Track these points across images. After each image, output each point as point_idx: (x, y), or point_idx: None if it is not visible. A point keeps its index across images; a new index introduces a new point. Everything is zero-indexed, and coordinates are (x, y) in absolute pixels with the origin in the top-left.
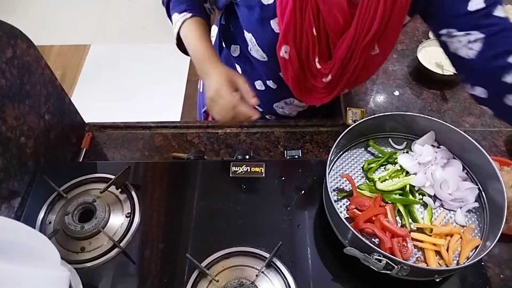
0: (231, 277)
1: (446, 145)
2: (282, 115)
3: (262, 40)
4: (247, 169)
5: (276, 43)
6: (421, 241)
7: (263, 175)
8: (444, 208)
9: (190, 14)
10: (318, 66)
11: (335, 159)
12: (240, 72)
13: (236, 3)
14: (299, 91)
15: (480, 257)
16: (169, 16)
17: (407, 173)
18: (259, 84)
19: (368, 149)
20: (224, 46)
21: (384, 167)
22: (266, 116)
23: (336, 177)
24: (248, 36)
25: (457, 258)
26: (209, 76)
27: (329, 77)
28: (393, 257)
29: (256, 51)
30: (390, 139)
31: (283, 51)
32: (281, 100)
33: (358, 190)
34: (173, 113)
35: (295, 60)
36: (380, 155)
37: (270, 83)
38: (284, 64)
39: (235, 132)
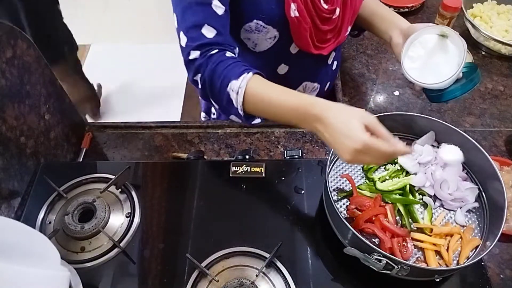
0: (231, 277)
1: None
2: None
3: (269, 17)
4: (247, 169)
5: (282, 12)
6: (421, 241)
7: (263, 175)
8: (444, 208)
9: (250, 74)
10: (325, 6)
11: (335, 159)
12: None
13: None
14: (314, 45)
15: (480, 257)
16: (219, 93)
17: (407, 173)
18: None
19: None
20: None
21: (384, 167)
22: None
23: (336, 177)
24: (253, 25)
25: (457, 258)
26: (329, 129)
27: (337, 11)
28: (393, 257)
29: (265, 35)
30: None
31: (293, 10)
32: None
33: (358, 190)
34: (173, 113)
35: (305, 13)
36: None
37: (281, 69)
38: (297, 24)
39: (235, 132)
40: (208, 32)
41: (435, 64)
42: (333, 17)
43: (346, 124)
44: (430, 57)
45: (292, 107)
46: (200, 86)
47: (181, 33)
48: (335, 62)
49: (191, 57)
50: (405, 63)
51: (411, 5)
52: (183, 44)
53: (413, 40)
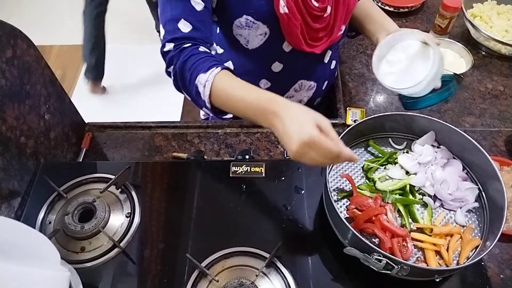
0: (231, 277)
1: (446, 145)
2: None
3: (258, 12)
4: (247, 169)
5: (271, 8)
6: (421, 241)
7: (263, 175)
8: (444, 208)
9: (219, 68)
10: (316, 4)
11: None
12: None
13: None
14: (306, 43)
15: (480, 257)
16: (189, 85)
17: (407, 173)
18: (264, 83)
19: (368, 149)
20: None
21: (384, 167)
22: None
23: (336, 177)
24: (243, 21)
25: (457, 258)
26: (282, 122)
27: (329, 9)
28: (393, 257)
29: (256, 32)
30: (390, 139)
31: (282, 6)
32: (291, 88)
33: (358, 190)
34: (173, 113)
35: (295, 10)
36: (380, 155)
37: (275, 66)
38: (287, 21)
39: (235, 132)
40: (184, 26)
41: (413, 71)
42: (325, 15)
43: (300, 120)
44: (410, 63)
45: (252, 102)
46: (172, 78)
47: (161, 25)
48: (333, 62)
49: (165, 49)
50: (382, 67)
51: (411, 5)
52: (161, 36)
53: (395, 44)
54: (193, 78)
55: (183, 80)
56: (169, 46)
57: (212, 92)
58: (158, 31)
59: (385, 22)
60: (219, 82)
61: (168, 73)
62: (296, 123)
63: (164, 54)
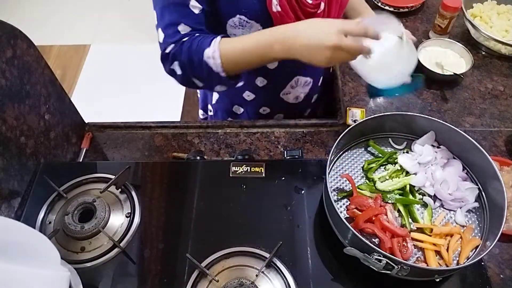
0: (231, 277)
1: (446, 145)
2: (290, 107)
3: (251, 11)
4: (247, 169)
5: (264, 6)
6: (421, 241)
7: (263, 175)
8: (444, 208)
9: (219, 37)
10: (309, 0)
11: (335, 159)
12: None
13: None
14: None
15: (480, 257)
16: (199, 67)
17: (407, 173)
18: (261, 81)
19: (368, 149)
20: None
21: (384, 167)
22: (275, 117)
23: (336, 177)
24: (236, 21)
25: (457, 258)
26: (307, 37)
27: (322, 5)
28: (393, 257)
29: (249, 31)
30: (390, 139)
31: (274, 5)
32: (287, 85)
33: (358, 190)
34: (173, 113)
35: (287, 8)
36: (380, 155)
37: (271, 64)
38: (280, 19)
39: (235, 132)
40: (184, 29)
41: (387, 64)
42: (318, 11)
43: (322, 29)
44: (383, 56)
45: (267, 41)
46: (179, 72)
47: (159, 29)
48: None
49: (167, 51)
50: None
51: (411, 5)
52: (161, 40)
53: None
54: (200, 58)
55: (192, 65)
56: (170, 47)
57: (223, 59)
58: None
59: (365, 13)
60: (224, 46)
61: (172, 71)
62: (320, 33)
63: (165, 56)
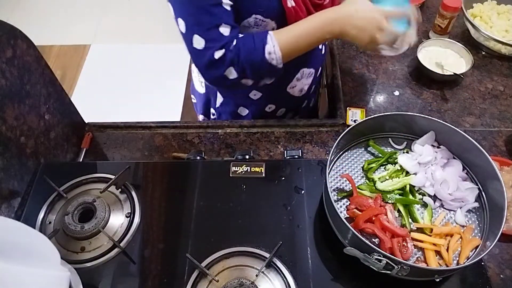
0: (231, 277)
1: (446, 145)
2: (294, 101)
3: (268, 10)
4: (247, 169)
5: (279, 3)
6: (421, 241)
7: (263, 175)
8: (444, 208)
9: (270, 32)
10: None
11: (335, 159)
12: None
13: None
14: None
15: (480, 257)
16: (261, 64)
17: (407, 173)
18: None
19: (368, 149)
20: None
21: (384, 167)
22: (279, 112)
23: (336, 177)
24: (251, 21)
25: (457, 258)
26: (360, 18)
27: None
28: (393, 257)
29: (264, 29)
30: (390, 139)
31: (289, 0)
32: (293, 78)
33: (358, 190)
34: (173, 113)
35: (300, 2)
36: (380, 155)
37: None
38: (294, 14)
39: (235, 132)
40: (225, 30)
41: None
42: (324, 3)
43: (371, 16)
44: None
45: (318, 24)
46: (233, 76)
47: (196, 36)
48: (324, 47)
49: (216, 56)
50: None
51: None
52: (200, 47)
53: None
54: (261, 55)
55: (254, 65)
56: (220, 52)
57: (282, 52)
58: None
59: None
60: (279, 37)
61: (222, 78)
62: (369, 15)
63: (216, 62)
